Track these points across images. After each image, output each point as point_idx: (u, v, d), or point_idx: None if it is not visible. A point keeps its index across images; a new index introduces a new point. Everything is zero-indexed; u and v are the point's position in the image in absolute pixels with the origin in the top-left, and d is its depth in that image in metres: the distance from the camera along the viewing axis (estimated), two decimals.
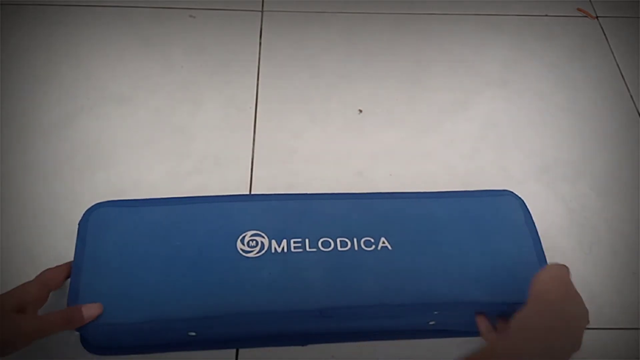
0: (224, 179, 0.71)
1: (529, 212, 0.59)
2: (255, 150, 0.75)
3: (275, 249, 0.53)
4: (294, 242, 0.54)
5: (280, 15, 0.92)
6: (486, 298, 0.53)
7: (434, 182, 0.72)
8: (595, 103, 0.84)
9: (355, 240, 0.55)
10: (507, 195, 0.61)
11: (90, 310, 0.49)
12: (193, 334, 0.52)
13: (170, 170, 0.72)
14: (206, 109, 0.79)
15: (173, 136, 0.76)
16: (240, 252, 0.53)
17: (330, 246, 0.54)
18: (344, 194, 0.60)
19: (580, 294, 0.51)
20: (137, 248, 0.53)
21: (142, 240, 0.54)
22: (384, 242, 0.55)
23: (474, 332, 0.59)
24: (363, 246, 0.54)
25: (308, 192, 0.61)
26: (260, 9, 0.92)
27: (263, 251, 0.53)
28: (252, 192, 0.70)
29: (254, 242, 0.54)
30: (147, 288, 0.51)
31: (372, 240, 0.55)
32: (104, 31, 0.88)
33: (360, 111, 0.80)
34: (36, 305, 0.49)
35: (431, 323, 0.56)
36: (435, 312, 0.53)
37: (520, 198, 0.60)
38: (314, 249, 0.54)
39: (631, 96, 0.85)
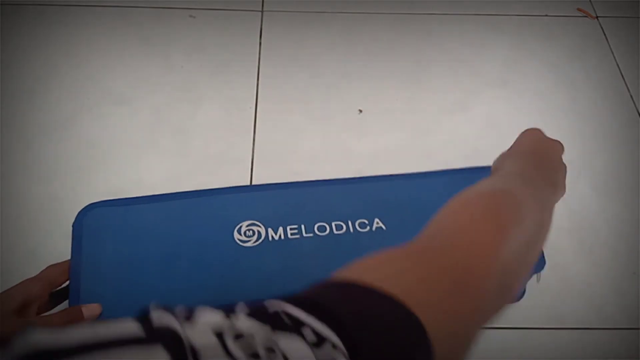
0: (224, 179, 0.71)
1: None
2: (255, 150, 0.75)
3: (272, 236, 0.54)
4: (290, 229, 0.54)
5: (280, 15, 0.92)
6: None
7: None
8: (595, 103, 0.84)
9: (350, 222, 0.55)
10: None
11: (91, 310, 0.49)
12: None
13: (170, 170, 0.72)
14: (206, 109, 0.79)
15: (173, 136, 0.76)
16: (238, 242, 0.53)
17: (326, 230, 0.54)
18: (336, 179, 0.60)
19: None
20: (134, 246, 0.53)
21: (139, 238, 0.54)
22: (377, 223, 0.55)
23: None
24: (358, 228, 0.55)
25: (301, 181, 0.61)
26: (260, 9, 0.92)
27: (260, 240, 0.53)
28: None
29: (251, 231, 0.54)
30: (147, 286, 0.51)
31: (367, 222, 0.55)
32: (104, 31, 0.88)
33: (360, 111, 0.80)
34: (38, 304, 0.48)
35: None
36: None
37: None
38: (311, 234, 0.54)
39: (631, 96, 0.85)
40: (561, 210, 0.71)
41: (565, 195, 0.72)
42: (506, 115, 0.81)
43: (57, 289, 0.51)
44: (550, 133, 0.80)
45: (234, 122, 0.78)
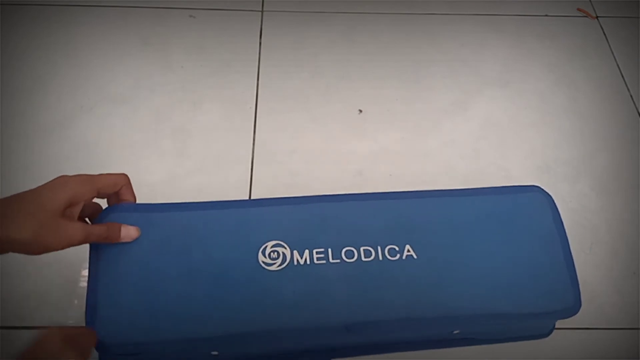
0: (224, 179, 0.71)
1: (557, 210, 0.56)
2: (255, 150, 0.75)
3: (297, 260, 0.51)
4: (317, 253, 0.51)
5: (280, 15, 0.92)
6: (512, 309, 0.51)
7: (434, 182, 0.73)
8: (595, 103, 0.84)
9: (379, 249, 0.52)
10: (535, 192, 0.57)
11: (129, 231, 0.50)
12: (215, 353, 0.52)
13: (170, 170, 0.72)
14: (206, 109, 0.79)
15: (173, 136, 0.76)
16: (262, 265, 0.51)
17: (353, 256, 0.52)
18: (365, 194, 0.57)
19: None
20: (155, 261, 0.51)
21: (159, 252, 0.51)
22: (408, 251, 0.52)
23: (497, 340, 0.58)
24: (388, 256, 0.52)
25: (328, 194, 0.57)
26: (260, 9, 0.92)
27: (285, 264, 0.51)
28: (252, 193, 0.70)
29: (276, 253, 0.51)
30: (168, 306, 0.49)
31: (397, 248, 0.52)
32: (104, 31, 0.88)
33: (360, 111, 0.80)
34: (83, 205, 0.48)
35: (455, 332, 0.55)
36: (461, 323, 0.52)
37: (548, 195, 0.57)
38: (337, 260, 0.51)
39: (631, 96, 0.85)
40: (561, 210, 0.71)
41: (565, 195, 0.73)
42: (506, 115, 0.81)
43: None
44: (551, 133, 0.80)
45: (234, 122, 0.78)
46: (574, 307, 0.51)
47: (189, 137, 0.76)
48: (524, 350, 0.60)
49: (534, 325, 0.57)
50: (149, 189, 0.69)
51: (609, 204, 0.72)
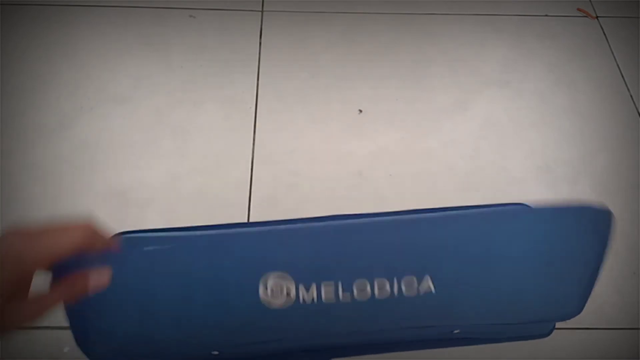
0: (224, 179, 0.71)
1: (610, 233, 0.48)
2: (255, 150, 0.75)
3: (303, 298, 0.46)
4: (325, 287, 0.46)
5: (280, 15, 0.92)
6: (516, 319, 0.49)
7: (434, 182, 0.73)
8: (595, 103, 0.84)
9: (395, 280, 0.46)
10: (598, 213, 0.49)
11: (99, 277, 0.39)
12: (216, 352, 0.51)
13: (170, 170, 0.72)
14: (206, 109, 0.79)
15: (173, 136, 0.76)
16: (263, 301, 0.46)
17: (366, 292, 0.46)
18: (378, 213, 0.51)
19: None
20: (151, 290, 0.47)
21: (155, 282, 0.47)
22: (428, 282, 0.46)
23: (497, 340, 0.58)
24: (404, 290, 0.46)
25: (337, 215, 0.51)
26: (260, 9, 0.92)
27: (290, 302, 0.46)
28: (252, 193, 0.70)
29: (279, 288, 0.46)
30: (160, 330, 0.46)
31: (414, 280, 0.46)
32: (104, 31, 0.88)
33: (360, 111, 0.80)
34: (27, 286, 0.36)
35: (456, 332, 0.55)
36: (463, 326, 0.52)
37: (611, 216, 0.48)
38: (348, 299, 0.46)
39: (631, 96, 0.85)
40: None
41: (565, 195, 0.73)
42: (506, 115, 0.81)
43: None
44: (551, 133, 0.80)
45: (234, 122, 0.78)
46: (576, 311, 0.50)
47: (189, 137, 0.76)
48: (524, 350, 0.60)
49: (534, 326, 0.58)
50: (149, 189, 0.69)
51: (609, 204, 0.72)
